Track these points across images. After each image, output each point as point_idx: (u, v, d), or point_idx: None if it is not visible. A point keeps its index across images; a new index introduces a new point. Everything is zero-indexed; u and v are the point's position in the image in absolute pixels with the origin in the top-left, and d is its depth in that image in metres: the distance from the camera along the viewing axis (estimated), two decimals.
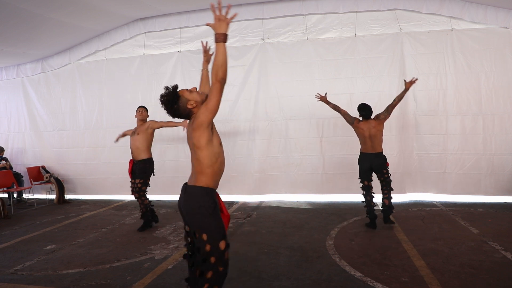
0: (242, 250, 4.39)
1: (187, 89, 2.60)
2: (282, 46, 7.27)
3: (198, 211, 2.41)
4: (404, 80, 5.35)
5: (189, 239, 2.51)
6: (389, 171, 5.18)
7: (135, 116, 5.64)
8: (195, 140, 2.46)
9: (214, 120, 2.57)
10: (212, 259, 2.35)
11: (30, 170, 8.15)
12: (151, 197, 7.80)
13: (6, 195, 7.81)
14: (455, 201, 6.54)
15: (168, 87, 2.56)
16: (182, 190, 2.53)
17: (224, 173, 3.13)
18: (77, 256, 4.47)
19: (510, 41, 6.42)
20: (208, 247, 2.35)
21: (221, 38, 2.29)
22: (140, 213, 5.61)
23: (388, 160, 6.82)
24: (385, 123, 6.86)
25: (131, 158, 5.51)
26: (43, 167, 8.37)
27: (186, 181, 2.61)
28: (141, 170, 5.41)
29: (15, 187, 7.76)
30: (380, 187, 5.15)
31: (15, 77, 8.85)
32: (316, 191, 7.15)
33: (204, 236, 2.36)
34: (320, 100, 5.61)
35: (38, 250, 4.74)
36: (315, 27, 7.12)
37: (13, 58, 8.31)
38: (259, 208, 6.74)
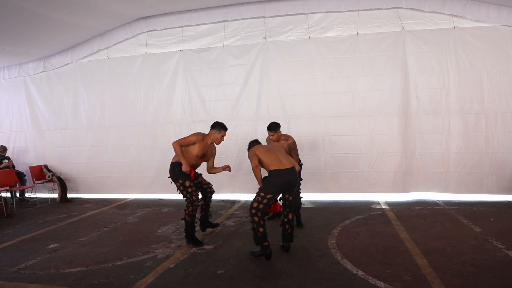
0: (245, 248, 4.40)
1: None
2: (284, 45, 7.26)
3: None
4: None
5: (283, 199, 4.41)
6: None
7: (217, 140, 4.78)
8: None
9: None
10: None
11: (33, 169, 8.18)
12: (153, 195, 7.92)
13: (8, 194, 7.84)
14: (458, 200, 6.54)
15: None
16: (291, 171, 4.19)
17: (226, 171, 5.00)
18: (79, 255, 4.48)
19: None
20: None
21: None
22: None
23: (391, 160, 6.89)
24: (387, 121, 6.91)
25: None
26: (46, 166, 8.39)
27: None
28: None
29: (17, 186, 7.78)
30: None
31: (17, 76, 8.87)
32: (318, 190, 7.14)
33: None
34: None
35: (41, 249, 4.75)
36: (317, 26, 7.11)
37: (15, 57, 8.32)
38: None
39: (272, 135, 5.24)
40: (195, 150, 4.67)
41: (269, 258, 4.03)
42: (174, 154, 4.76)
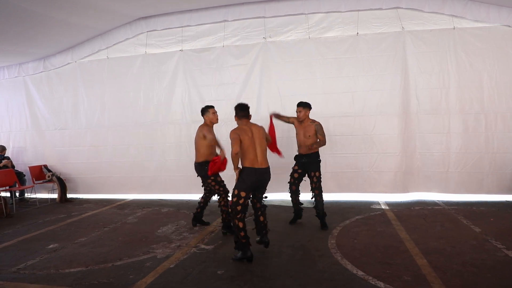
0: None
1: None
2: (284, 45, 7.25)
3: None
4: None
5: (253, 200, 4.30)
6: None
7: (213, 118, 5.10)
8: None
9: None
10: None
11: (32, 169, 8.17)
12: (153, 196, 7.92)
13: (8, 194, 7.84)
14: (458, 200, 6.54)
15: None
16: (265, 171, 4.12)
17: (226, 172, 4.78)
18: (79, 255, 4.48)
19: None
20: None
21: None
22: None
23: (391, 160, 6.88)
24: (387, 121, 6.90)
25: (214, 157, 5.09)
26: (45, 166, 8.39)
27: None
28: None
29: (17, 186, 7.78)
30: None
31: (17, 76, 8.86)
32: None
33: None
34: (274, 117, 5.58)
35: (41, 249, 4.75)
36: (317, 26, 7.10)
37: (15, 56, 8.32)
38: None
39: (300, 112, 5.31)
40: (214, 142, 5.05)
41: (250, 261, 3.99)
42: (193, 153, 5.13)
